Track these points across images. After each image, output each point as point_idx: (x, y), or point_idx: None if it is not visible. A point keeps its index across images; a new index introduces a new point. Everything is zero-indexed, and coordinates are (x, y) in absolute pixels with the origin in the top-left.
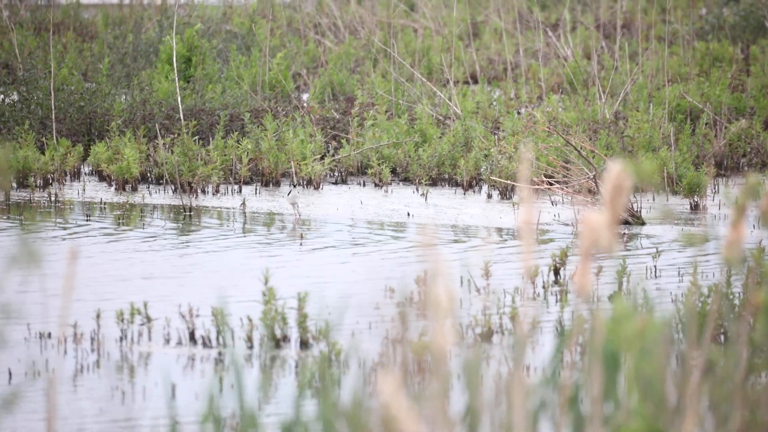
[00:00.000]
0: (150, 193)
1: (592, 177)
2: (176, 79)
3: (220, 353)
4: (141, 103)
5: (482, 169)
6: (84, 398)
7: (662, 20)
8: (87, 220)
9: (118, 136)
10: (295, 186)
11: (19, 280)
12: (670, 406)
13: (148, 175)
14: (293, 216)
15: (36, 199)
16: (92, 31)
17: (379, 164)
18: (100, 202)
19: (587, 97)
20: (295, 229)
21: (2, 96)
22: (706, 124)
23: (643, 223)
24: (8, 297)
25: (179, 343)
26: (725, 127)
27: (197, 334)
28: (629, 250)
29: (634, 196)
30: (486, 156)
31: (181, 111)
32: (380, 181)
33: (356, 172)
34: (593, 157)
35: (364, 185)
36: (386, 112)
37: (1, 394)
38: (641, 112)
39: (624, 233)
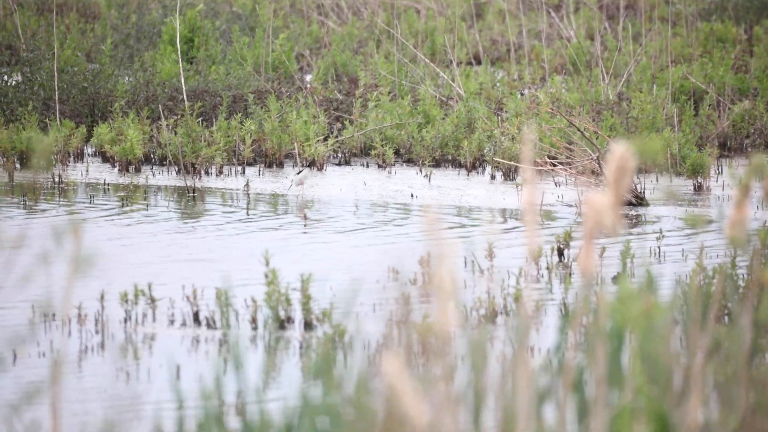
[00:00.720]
0: (153, 174)
1: (595, 158)
2: (179, 60)
3: (224, 334)
4: (144, 84)
5: (485, 150)
6: (88, 379)
7: (665, 1)
8: (90, 202)
9: (122, 117)
10: (305, 166)
11: (23, 260)
12: (675, 388)
13: (152, 156)
14: (298, 197)
15: (39, 180)
16: (95, 11)
17: (382, 145)
18: (104, 183)
19: (590, 78)
20: (300, 209)
21: (5, 77)
22: (710, 105)
23: (646, 205)
24: (12, 278)
25: (183, 324)
26: (728, 108)
27: (201, 316)
28: (633, 231)
29: (638, 177)
30: (489, 137)
31: (184, 92)
32: (383, 162)
33: (359, 154)
34: (596, 138)
35: (368, 166)
36: (389, 93)
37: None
38: (644, 93)
39: (627, 214)
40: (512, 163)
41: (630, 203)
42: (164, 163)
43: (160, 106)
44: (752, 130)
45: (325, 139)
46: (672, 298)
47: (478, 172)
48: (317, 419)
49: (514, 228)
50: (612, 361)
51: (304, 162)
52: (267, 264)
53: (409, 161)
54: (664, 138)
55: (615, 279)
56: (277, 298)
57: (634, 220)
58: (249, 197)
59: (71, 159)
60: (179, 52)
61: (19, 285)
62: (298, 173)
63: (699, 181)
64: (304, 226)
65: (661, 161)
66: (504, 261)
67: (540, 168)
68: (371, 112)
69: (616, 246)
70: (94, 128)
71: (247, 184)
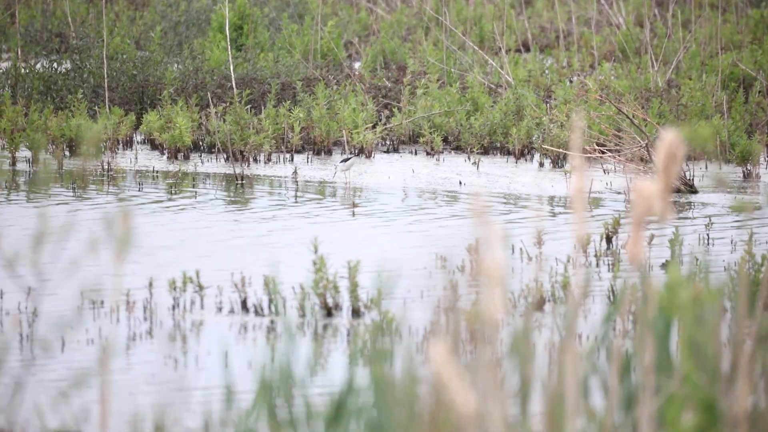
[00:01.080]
0: (202, 162)
1: (644, 145)
2: (228, 47)
3: (272, 321)
4: (193, 72)
5: (534, 138)
6: (137, 366)
7: None
8: (139, 189)
9: (170, 104)
10: (354, 154)
11: (72, 247)
12: (723, 375)
13: (200, 143)
14: (346, 184)
15: (89, 167)
16: None
17: (430, 133)
18: (153, 171)
19: (639, 65)
20: (347, 196)
21: (55, 65)
22: (759, 91)
23: (695, 192)
24: (61, 266)
25: (231, 311)
26: None
27: (249, 303)
28: (682, 218)
29: (687, 165)
30: (538, 124)
31: (233, 79)
32: (432, 149)
33: (408, 141)
34: (645, 126)
35: (416, 154)
36: (438, 80)
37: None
38: (694, 80)
39: (676, 201)
40: (561, 150)
41: (679, 190)
42: (213, 150)
43: (208, 93)
44: None
45: (374, 127)
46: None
47: (526, 160)
48: (364, 407)
49: (562, 215)
50: (660, 348)
51: (353, 149)
52: (315, 251)
53: (458, 149)
54: (714, 125)
55: (664, 266)
56: (325, 285)
57: (683, 208)
58: (297, 184)
59: (120, 146)
60: (228, 40)
61: (69, 272)
62: (344, 160)
63: (748, 168)
64: (353, 214)
65: (711, 148)
66: (552, 248)
67: (588, 155)
68: (419, 100)
69: (665, 233)
70: (143, 116)
71: (295, 172)
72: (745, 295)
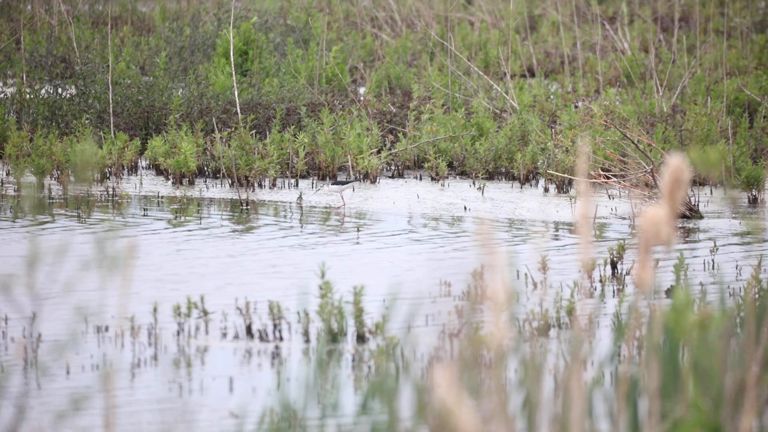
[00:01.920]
0: (207, 187)
1: (649, 171)
2: (233, 72)
3: (276, 347)
4: (198, 97)
5: (539, 163)
6: (141, 391)
7: (720, 13)
8: (144, 214)
9: (176, 129)
10: (355, 178)
11: (77, 273)
12: (728, 400)
13: (205, 169)
14: (340, 206)
15: (94, 192)
16: (149, 24)
17: (435, 158)
18: (158, 196)
19: (645, 90)
20: (342, 219)
21: (60, 90)
22: (765, 117)
23: (701, 217)
24: (65, 291)
25: (236, 336)
26: None
27: (254, 328)
28: (687, 244)
29: (692, 190)
30: (543, 150)
31: (238, 105)
32: (437, 174)
33: (413, 166)
34: (650, 151)
35: (421, 179)
36: (443, 105)
37: (68, 394)
38: (699, 106)
39: (682, 227)
40: (566, 175)
41: (684, 216)
42: (218, 175)
43: (213, 118)
44: None
45: (379, 152)
46: (726, 310)
47: (531, 185)
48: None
49: (567, 241)
50: (666, 373)
51: (358, 174)
52: (322, 276)
53: (463, 174)
54: (719, 150)
55: (669, 292)
56: (330, 311)
57: (689, 233)
58: (302, 210)
59: (125, 172)
60: (233, 65)
61: (73, 297)
62: (337, 183)
63: (754, 193)
64: (357, 239)
65: (719, 172)
66: (557, 273)
67: (594, 181)
68: (425, 125)
69: (670, 259)
70: (148, 141)
71: (300, 197)
72: (752, 320)
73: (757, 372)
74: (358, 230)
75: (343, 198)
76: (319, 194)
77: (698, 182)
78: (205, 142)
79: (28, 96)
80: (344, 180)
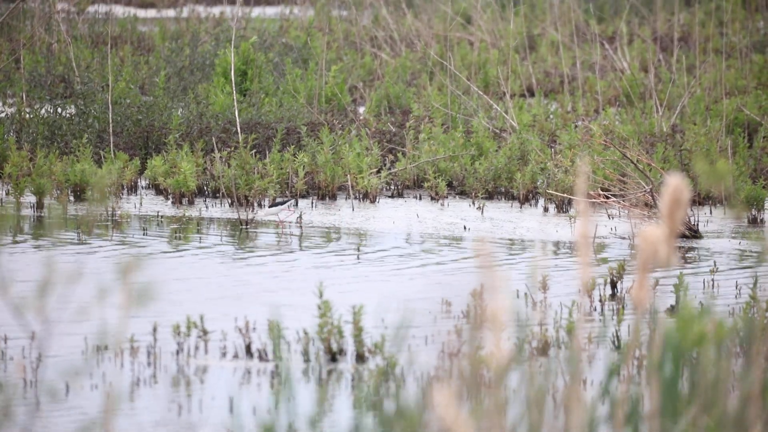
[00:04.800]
0: (207, 207)
1: (649, 190)
2: (233, 92)
3: (276, 366)
4: (198, 117)
5: (539, 183)
6: (141, 411)
7: (720, 33)
8: (144, 234)
9: (175, 149)
10: (291, 198)
11: (77, 293)
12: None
13: (205, 188)
14: (283, 224)
15: (93, 213)
16: (149, 44)
17: (435, 177)
18: (157, 216)
19: (644, 110)
20: (281, 238)
21: (60, 109)
22: (764, 137)
23: (700, 237)
24: (65, 311)
25: (235, 356)
26: None
27: (253, 348)
28: (687, 263)
29: (692, 210)
30: (542, 169)
31: (238, 124)
32: (436, 194)
33: (412, 186)
34: (650, 171)
35: (420, 199)
36: (442, 125)
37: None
38: (698, 125)
39: (681, 247)
40: (565, 195)
41: (684, 236)
42: (217, 195)
43: (213, 138)
44: None
45: (378, 172)
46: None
47: (531, 205)
48: None
49: (567, 260)
50: (667, 392)
51: (357, 194)
52: (321, 296)
53: (462, 193)
54: (726, 163)
55: (669, 311)
56: (329, 330)
57: (688, 253)
58: (302, 229)
59: (125, 192)
60: (233, 85)
61: (73, 318)
62: (271, 205)
63: (753, 213)
64: (357, 258)
65: (726, 185)
66: (557, 293)
67: (593, 200)
68: (424, 144)
69: (670, 279)
70: (148, 161)
71: (299, 217)
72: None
73: (758, 391)
74: (358, 249)
75: (279, 217)
76: (262, 216)
77: (698, 202)
78: (205, 162)
79: (27, 115)
80: (282, 200)
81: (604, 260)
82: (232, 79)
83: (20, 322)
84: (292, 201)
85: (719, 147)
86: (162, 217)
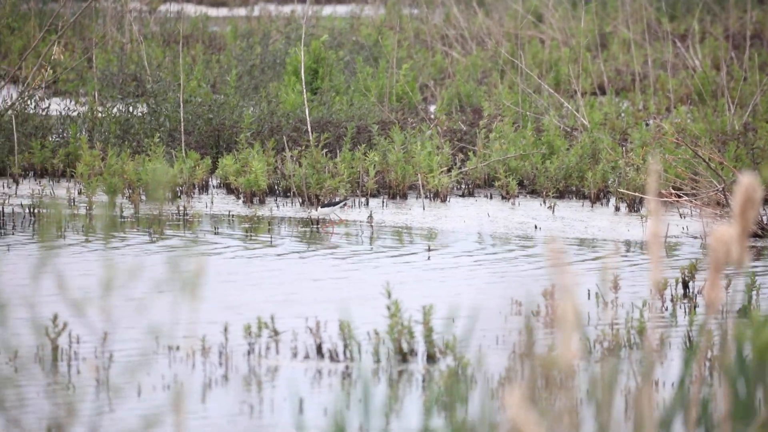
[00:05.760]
0: (277, 206)
1: (720, 189)
2: (303, 90)
3: (347, 367)
4: (269, 115)
5: (610, 182)
6: (213, 412)
7: None
8: (215, 233)
9: (246, 148)
10: (345, 198)
11: (148, 292)
12: None
13: (276, 187)
14: (336, 223)
15: (165, 211)
16: (220, 43)
17: (506, 176)
18: (228, 215)
19: (716, 108)
20: (330, 238)
21: (132, 108)
22: None
23: None
24: (137, 311)
25: (306, 356)
26: None
27: (324, 348)
28: (759, 263)
29: (764, 209)
30: (614, 168)
31: (308, 123)
32: (507, 193)
33: (483, 185)
34: (722, 169)
35: (491, 198)
36: (513, 123)
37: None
38: None
39: (753, 246)
40: (637, 194)
41: (756, 235)
42: (288, 194)
43: (284, 137)
44: None
45: (449, 170)
46: None
47: (602, 204)
48: None
49: (638, 260)
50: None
51: (428, 193)
52: (389, 296)
53: (533, 192)
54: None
55: (740, 312)
56: (400, 331)
57: (761, 253)
58: (372, 228)
59: (196, 190)
60: (303, 83)
61: (144, 317)
62: (327, 205)
63: None
64: (428, 258)
65: None
66: (628, 293)
67: (665, 199)
68: (495, 143)
69: (742, 278)
70: (219, 159)
71: (370, 216)
72: None
73: None
74: (429, 249)
75: (332, 217)
76: (316, 216)
77: None
78: (276, 161)
79: (99, 114)
80: (336, 201)
81: (676, 260)
82: (303, 77)
83: (84, 320)
84: (347, 201)
85: None
86: (233, 216)
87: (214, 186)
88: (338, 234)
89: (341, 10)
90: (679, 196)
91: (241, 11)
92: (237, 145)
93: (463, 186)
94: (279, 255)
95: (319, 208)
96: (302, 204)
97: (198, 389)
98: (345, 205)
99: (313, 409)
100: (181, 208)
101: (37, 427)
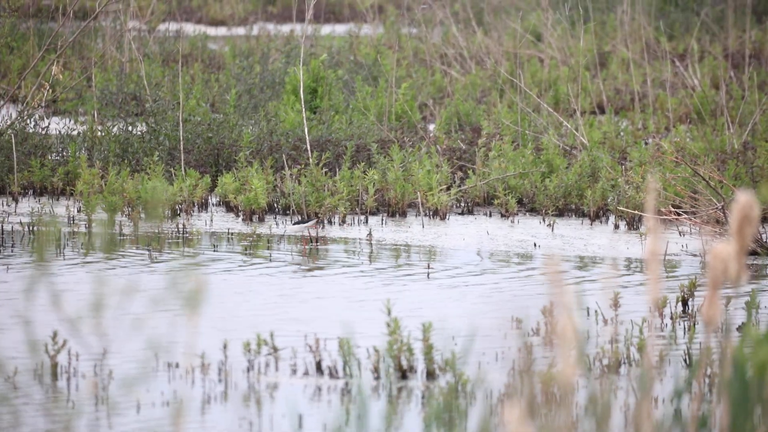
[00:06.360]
0: (277, 224)
1: (720, 207)
2: (303, 109)
3: (346, 384)
4: (268, 134)
5: (609, 200)
6: (212, 428)
7: None
8: (215, 251)
9: (246, 166)
10: (316, 217)
11: (147, 309)
12: None
13: (275, 205)
14: (304, 243)
15: (164, 229)
16: (219, 62)
17: (505, 194)
18: (228, 233)
19: (715, 127)
20: (304, 254)
21: (131, 127)
22: None
23: None
24: (135, 327)
25: (306, 373)
26: None
27: (324, 365)
28: (758, 281)
29: (762, 227)
30: (613, 186)
31: (308, 141)
32: (506, 211)
33: (482, 203)
34: (721, 188)
35: (491, 216)
36: (512, 142)
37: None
38: None
39: (752, 264)
40: (636, 212)
41: (754, 253)
42: (287, 212)
43: (283, 155)
44: None
45: (448, 189)
46: None
47: (601, 222)
48: None
49: (638, 278)
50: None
51: (427, 211)
52: (389, 313)
53: (532, 210)
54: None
55: (740, 329)
56: (399, 348)
57: (759, 271)
58: (372, 246)
59: (196, 209)
60: (303, 102)
61: (143, 334)
62: (296, 223)
63: None
64: (427, 276)
65: None
66: (628, 311)
67: (664, 217)
68: (494, 162)
69: (741, 296)
70: (219, 178)
71: (369, 234)
72: None
73: None
74: (429, 266)
75: (309, 233)
76: (287, 233)
77: None
78: (275, 179)
79: (99, 133)
80: (306, 219)
81: (675, 277)
82: (302, 96)
83: (80, 339)
84: (319, 218)
85: None
86: (232, 233)
87: (213, 204)
88: (338, 251)
89: (340, 29)
90: (679, 214)
91: (240, 30)
92: (236, 164)
93: (462, 204)
94: (278, 272)
95: (291, 225)
96: (301, 222)
97: (197, 405)
98: (316, 223)
99: (312, 425)
100: (181, 226)
101: None
